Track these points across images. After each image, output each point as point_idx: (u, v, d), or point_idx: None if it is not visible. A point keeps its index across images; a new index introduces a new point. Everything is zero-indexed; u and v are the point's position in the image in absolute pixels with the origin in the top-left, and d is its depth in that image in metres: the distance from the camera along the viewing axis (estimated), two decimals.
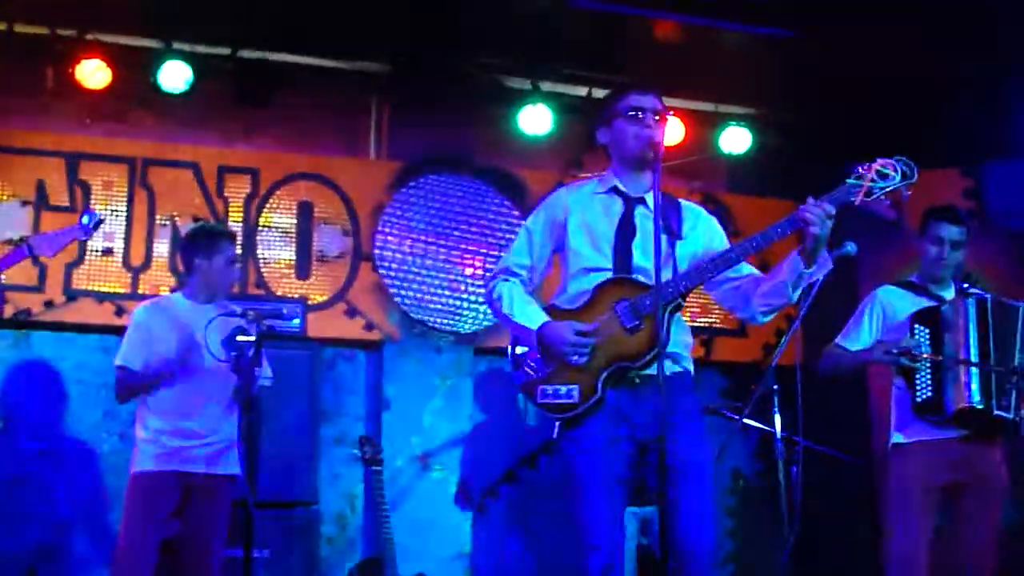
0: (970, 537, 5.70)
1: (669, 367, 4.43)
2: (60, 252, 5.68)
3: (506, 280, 4.72)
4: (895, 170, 4.29)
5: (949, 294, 5.91)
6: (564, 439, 4.51)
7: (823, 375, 6.09)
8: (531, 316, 4.56)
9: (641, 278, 4.44)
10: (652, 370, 4.33)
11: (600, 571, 4.38)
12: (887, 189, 4.29)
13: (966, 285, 5.88)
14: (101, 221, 5.79)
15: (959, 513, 5.75)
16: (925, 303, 5.83)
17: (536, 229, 4.74)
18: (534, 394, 4.54)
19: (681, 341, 4.57)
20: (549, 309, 4.61)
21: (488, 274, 8.11)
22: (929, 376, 5.66)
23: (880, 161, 4.31)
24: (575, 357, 4.42)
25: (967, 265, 6.15)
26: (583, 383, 4.43)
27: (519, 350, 4.66)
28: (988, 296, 5.74)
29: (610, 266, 4.52)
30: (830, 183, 4.38)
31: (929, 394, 5.66)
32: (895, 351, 5.71)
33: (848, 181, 4.33)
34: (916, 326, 5.74)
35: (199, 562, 6.03)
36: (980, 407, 5.54)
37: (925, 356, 5.65)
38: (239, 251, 6.73)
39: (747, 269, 4.60)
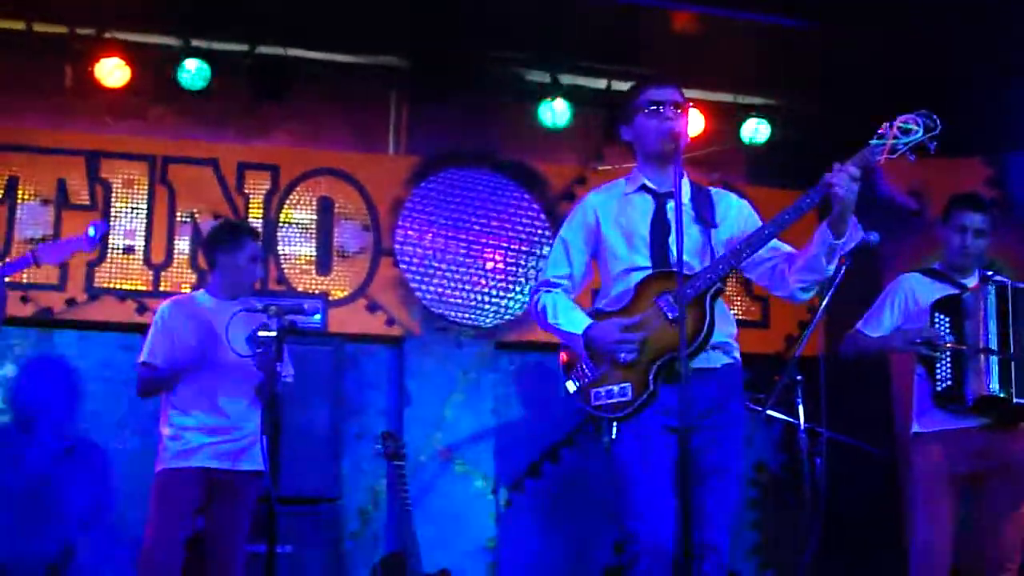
0: (996, 526, 5.66)
1: (719, 358, 4.49)
2: (65, 260, 5.69)
3: (548, 291, 4.73)
4: (917, 124, 4.27)
5: (972, 282, 5.86)
6: (617, 433, 4.48)
7: (844, 359, 6.08)
8: (576, 321, 4.57)
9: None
10: (699, 363, 4.35)
11: (651, 553, 4.33)
12: (911, 143, 4.26)
13: (990, 272, 5.84)
14: (108, 231, 5.81)
15: (984, 502, 5.72)
16: (948, 291, 5.79)
17: (571, 237, 4.75)
18: (588, 398, 4.52)
19: (726, 331, 4.56)
20: (594, 313, 4.62)
21: (509, 268, 8.27)
22: (949, 365, 5.63)
23: (901, 117, 4.29)
24: (623, 355, 4.43)
25: (989, 254, 6.11)
26: (634, 380, 4.42)
27: (567, 357, 4.65)
28: (1008, 282, 5.69)
29: (649, 264, 4.53)
30: None
31: (949, 383, 5.62)
32: (917, 340, 5.68)
33: (871, 142, 4.31)
34: (936, 314, 5.70)
35: (224, 558, 6.05)
36: (1000, 395, 5.50)
37: (948, 345, 5.61)
38: (261, 248, 6.74)
39: (779, 245, 4.58)
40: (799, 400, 6.79)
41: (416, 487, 7.68)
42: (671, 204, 4.54)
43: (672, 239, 4.49)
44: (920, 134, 4.26)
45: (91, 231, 5.80)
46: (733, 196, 4.80)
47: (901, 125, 4.27)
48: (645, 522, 4.35)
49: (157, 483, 6.03)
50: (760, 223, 4.67)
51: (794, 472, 7.11)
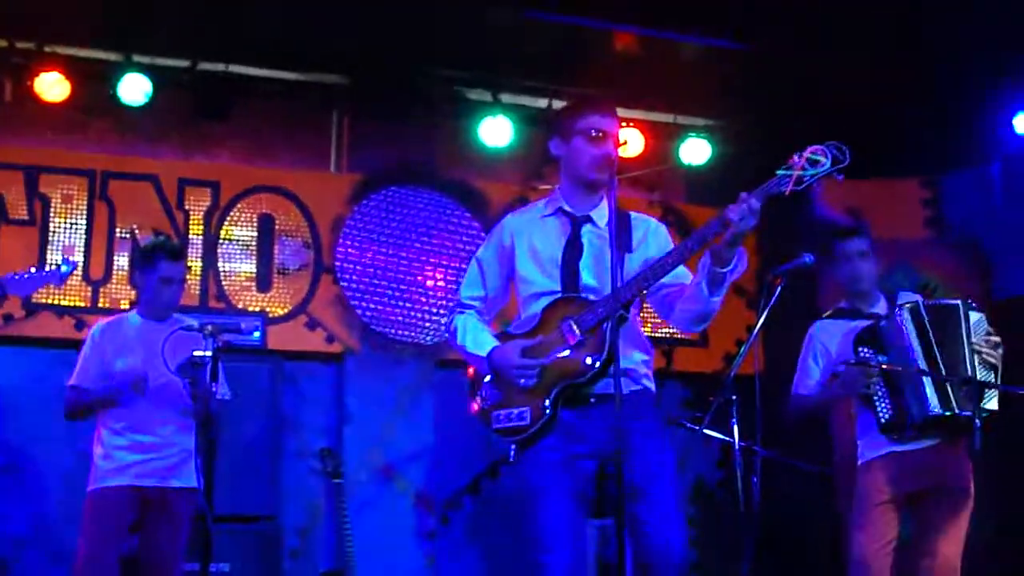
0: (935, 543, 5.68)
1: (625, 385, 4.32)
2: (32, 293, 5.75)
3: (461, 313, 4.75)
4: (826, 156, 4.21)
5: (881, 308, 5.90)
6: (521, 459, 4.50)
7: (792, 425, 6.06)
8: (482, 344, 4.59)
9: (590, 296, 4.44)
10: (601, 388, 4.34)
11: None
12: (818, 175, 4.21)
13: (892, 294, 5.90)
14: (75, 268, 5.86)
15: (922, 520, 5.73)
16: (861, 324, 5.77)
17: (486, 259, 4.76)
18: (489, 420, 4.55)
19: (634, 357, 4.53)
20: (501, 336, 4.64)
21: (450, 286, 8.29)
22: (888, 397, 5.62)
23: (811, 148, 4.23)
24: (522, 380, 4.44)
25: (926, 273, 6.14)
26: (533, 404, 4.43)
27: (473, 379, 4.69)
28: (919, 300, 5.72)
29: (559, 288, 4.53)
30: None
31: (891, 414, 5.62)
32: (855, 383, 5.65)
33: (778, 172, 4.26)
34: (860, 349, 5.64)
35: (156, 574, 6.01)
36: (944, 414, 5.49)
37: (884, 367, 5.59)
38: (188, 266, 6.62)
39: (681, 276, 4.51)
40: (734, 419, 6.83)
41: (355, 504, 7.68)
42: (587, 227, 4.58)
43: (584, 262, 4.51)
44: (827, 166, 4.20)
45: (64, 267, 5.83)
46: (652, 221, 4.76)
47: (810, 156, 4.22)
48: (554, 554, 4.35)
49: (88, 502, 6.01)
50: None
51: (731, 490, 7.14)
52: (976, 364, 5.55)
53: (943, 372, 5.49)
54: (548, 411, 4.40)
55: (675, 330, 8.70)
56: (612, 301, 4.29)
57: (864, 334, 5.69)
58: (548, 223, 4.66)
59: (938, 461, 5.67)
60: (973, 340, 5.59)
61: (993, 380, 5.58)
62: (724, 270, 4.28)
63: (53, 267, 5.89)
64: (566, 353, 4.41)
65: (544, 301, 4.53)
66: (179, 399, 5.93)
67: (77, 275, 7.75)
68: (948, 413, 5.47)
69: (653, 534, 4.34)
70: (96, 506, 5.98)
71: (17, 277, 5.78)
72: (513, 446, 4.49)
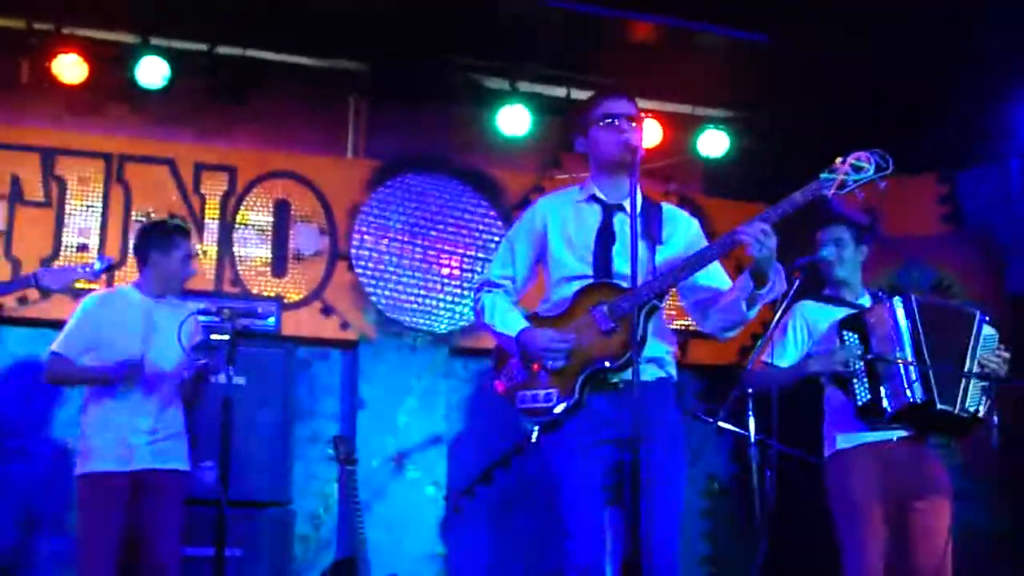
0: (923, 546, 5.64)
1: (652, 372, 4.49)
2: (67, 286, 5.91)
3: (489, 291, 4.78)
4: (869, 162, 4.31)
5: (866, 301, 5.89)
6: (544, 442, 4.54)
7: (756, 391, 6.10)
8: (511, 323, 4.62)
9: (622, 283, 4.44)
10: (630, 375, 4.28)
11: (581, 571, 4.37)
12: (861, 182, 4.31)
13: (880, 293, 5.91)
14: (112, 266, 5.94)
15: (910, 521, 5.69)
16: (845, 312, 5.78)
17: (517, 240, 4.79)
18: (514, 399, 4.58)
19: (662, 347, 4.58)
20: (531, 317, 4.66)
21: (465, 274, 8.29)
22: (865, 380, 5.60)
23: (855, 154, 4.33)
24: (551, 362, 4.46)
25: (941, 270, 6.14)
26: (561, 387, 4.46)
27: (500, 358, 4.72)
28: (912, 296, 5.69)
29: (591, 273, 4.55)
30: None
31: (868, 398, 5.59)
32: (835, 361, 5.64)
33: (821, 175, 4.35)
34: (845, 332, 5.65)
35: (154, 557, 5.99)
36: (922, 401, 5.44)
37: (869, 357, 5.57)
38: (198, 247, 6.67)
39: (718, 280, 4.60)
40: (750, 412, 6.81)
41: (367, 492, 7.67)
42: (619, 216, 4.60)
43: (616, 249, 4.53)
44: (871, 173, 4.31)
45: (97, 264, 5.97)
46: (684, 215, 4.81)
47: (854, 162, 4.31)
48: (576, 541, 4.40)
49: (81, 487, 6.00)
50: (705, 243, 4.68)
51: (745, 484, 7.13)
52: (974, 369, 5.54)
53: (928, 364, 5.47)
54: (576, 394, 4.42)
55: (691, 323, 8.70)
56: (644, 290, 4.32)
57: (850, 320, 5.70)
58: (582, 209, 4.68)
59: (914, 455, 5.66)
60: (979, 353, 5.57)
61: (987, 386, 5.56)
62: (760, 291, 4.35)
63: (89, 262, 5.98)
64: (598, 338, 4.42)
65: (576, 285, 4.56)
66: (169, 378, 5.96)
67: (91, 258, 7.74)
68: (927, 400, 5.43)
69: (651, 538, 4.31)
70: (89, 490, 5.97)
71: (51, 271, 5.87)
72: (536, 428, 4.55)
